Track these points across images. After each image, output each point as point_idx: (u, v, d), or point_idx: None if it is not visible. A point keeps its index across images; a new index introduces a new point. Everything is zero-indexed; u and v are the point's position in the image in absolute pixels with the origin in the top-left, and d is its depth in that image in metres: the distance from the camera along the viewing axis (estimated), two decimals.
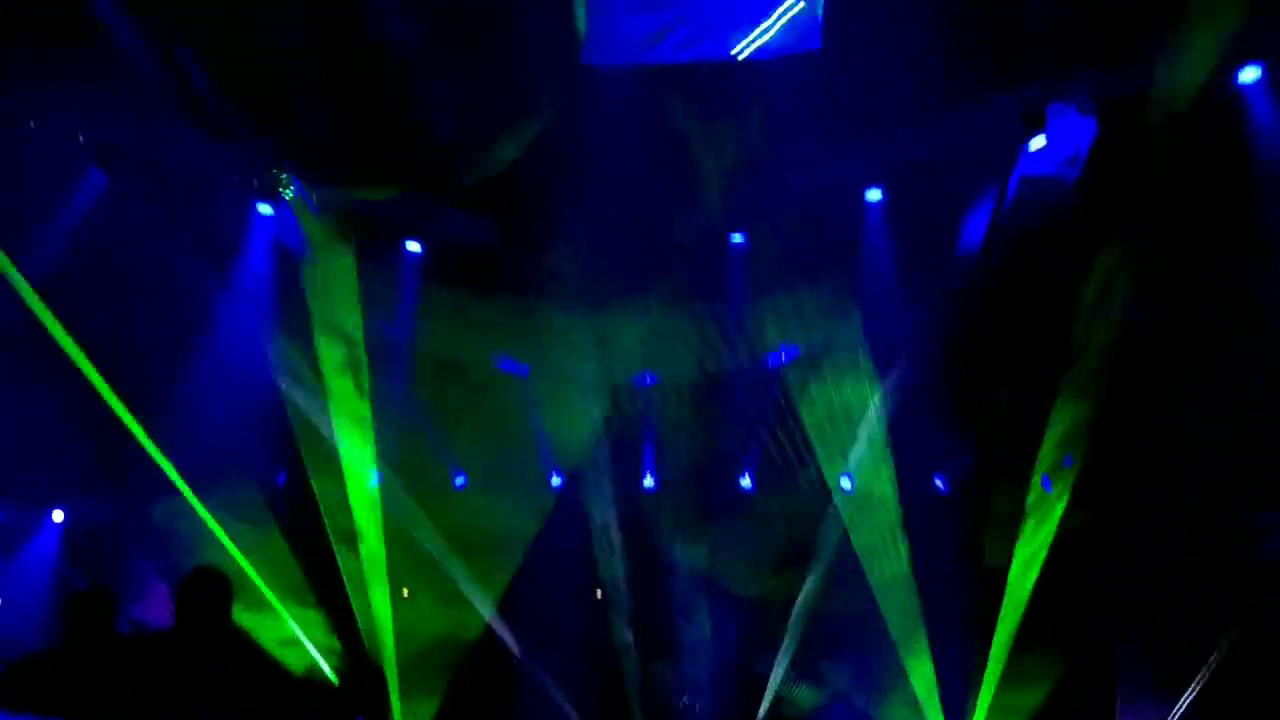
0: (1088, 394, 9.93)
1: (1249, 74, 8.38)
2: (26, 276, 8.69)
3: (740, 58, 9.22)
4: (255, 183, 10.20)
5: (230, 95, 4.47)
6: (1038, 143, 9.24)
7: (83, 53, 8.42)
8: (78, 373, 9.19)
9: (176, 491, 9.91)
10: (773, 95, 9.36)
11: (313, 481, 11.10)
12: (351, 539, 11.13)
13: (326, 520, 11.12)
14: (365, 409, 11.13)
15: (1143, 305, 9.61)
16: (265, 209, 10.41)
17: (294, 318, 10.75)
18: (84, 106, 9.08)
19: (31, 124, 8.81)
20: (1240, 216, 8.77)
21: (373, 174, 4.44)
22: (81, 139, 9.28)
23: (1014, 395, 10.65)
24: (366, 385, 11.10)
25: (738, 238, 11.23)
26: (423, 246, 11.32)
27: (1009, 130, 9.35)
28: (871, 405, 11.26)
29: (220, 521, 10.15)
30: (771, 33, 9.17)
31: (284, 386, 10.81)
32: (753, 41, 9.23)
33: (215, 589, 4.65)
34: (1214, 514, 9.69)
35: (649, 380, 12.28)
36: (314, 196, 10.46)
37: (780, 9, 9.04)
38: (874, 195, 10.50)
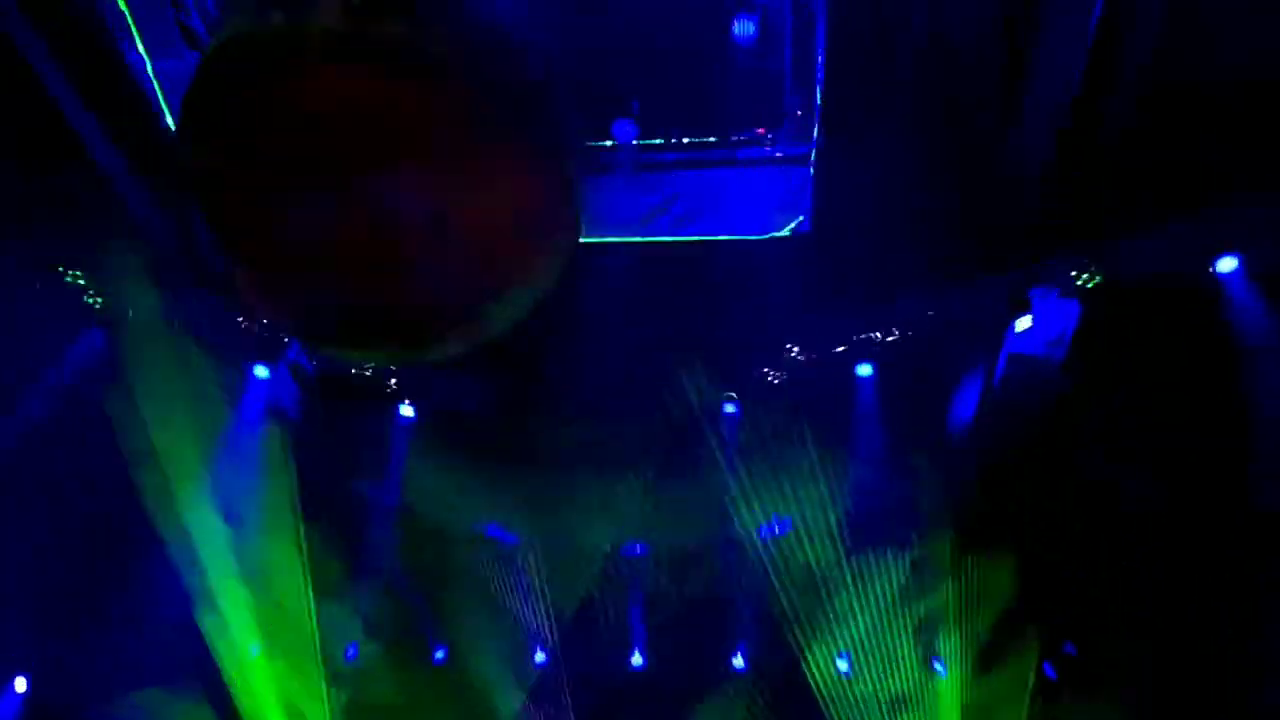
0: (1082, 578, 9.79)
1: (1226, 264, 8.67)
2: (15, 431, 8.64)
3: (733, 235, 9.53)
4: (254, 345, 10.32)
5: (236, 262, 4.58)
6: (1023, 323, 9.45)
7: (93, 213, 8.66)
8: (57, 532, 9.01)
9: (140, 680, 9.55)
10: (764, 270, 9.62)
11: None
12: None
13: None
14: (346, 575, 10.88)
15: (1132, 484, 9.60)
16: (261, 371, 10.47)
17: (280, 477, 10.62)
18: (91, 266, 9.24)
19: (38, 285, 8.94)
20: (1225, 400, 8.89)
21: (370, 341, 4.49)
22: (85, 299, 9.41)
23: (1010, 574, 10.48)
24: (349, 549, 10.88)
25: (730, 408, 11.28)
26: (416, 410, 11.34)
27: (995, 310, 9.57)
28: (865, 580, 11.05)
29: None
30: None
31: (263, 551, 10.58)
32: (744, 220, 9.56)
33: None
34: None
35: (638, 551, 12.07)
36: (311, 361, 10.60)
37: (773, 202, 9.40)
38: (864, 370, 10.63)
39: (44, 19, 7.64)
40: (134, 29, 8.12)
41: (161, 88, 8.29)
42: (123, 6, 7.99)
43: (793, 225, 9.50)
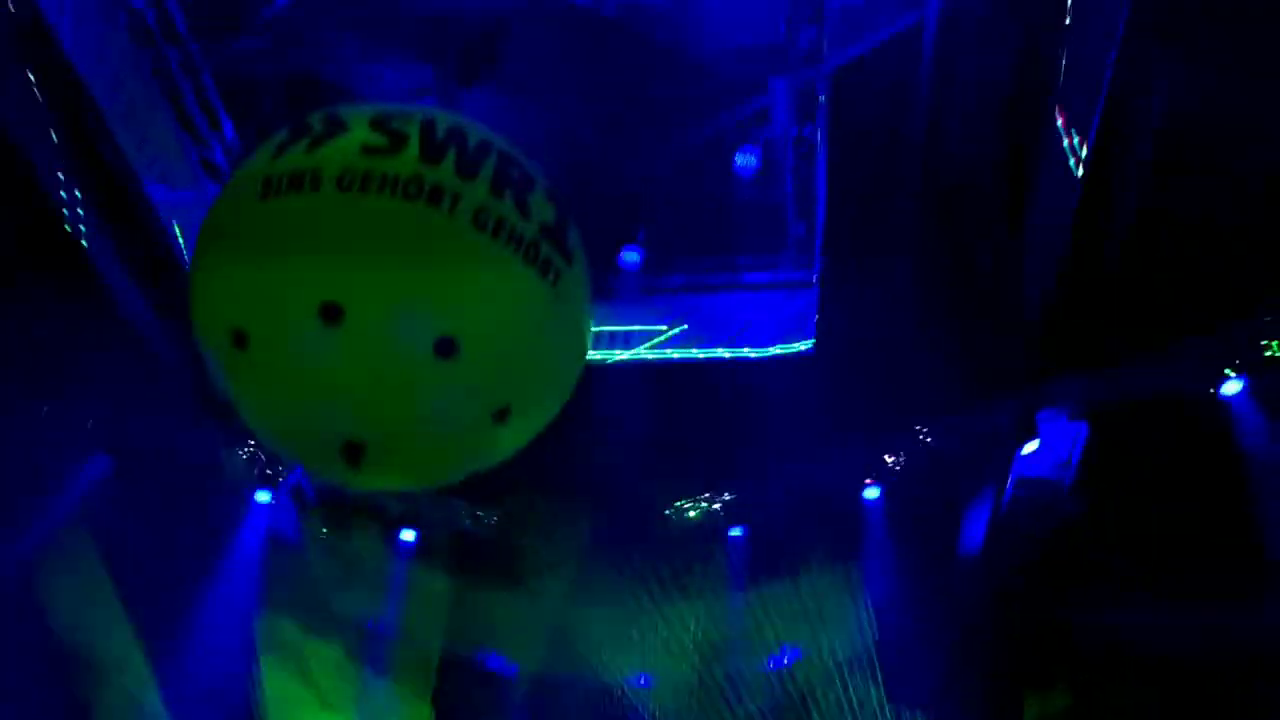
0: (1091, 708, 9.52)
1: (1231, 386, 8.70)
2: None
3: (740, 357, 9.60)
4: (256, 471, 10.29)
5: None
6: (1031, 446, 9.41)
7: (103, 339, 8.74)
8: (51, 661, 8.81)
9: None
10: (769, 392, 9.64)
11: None
12: None
13: None
14: (349, 703, 10.58)
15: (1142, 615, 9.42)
16: (263, 496, 10.41)
17: (282, 605, 10.44)
18: (99, 392, 9.27)
19: (45, 408, 8.95)
20: (1234, 521, 8.80)
21: (375, 469, 4.47)
22: (91, 424, 9.42)
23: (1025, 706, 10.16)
24: (351, 676, 10.60)
25: (737, 532, 11.14)
26: (417, 534, 11.21)
27: (1003, 433, 9.55)
28: (875, 707, 10.71)
29: None
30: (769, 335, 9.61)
31: (265, 678, 10.32)
32: (750, 343, 9.64)
33: None
34: None
35: (644, 682, 11.71)
36: (312, 486, 10.53)
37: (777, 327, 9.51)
38: (872, 493, 10.54)
39: (63, 148, 7.89)
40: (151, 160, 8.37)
41: (176, 219, 8.50)
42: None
43: (799, 348, 9.57)
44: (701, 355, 9.64)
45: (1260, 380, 8.66)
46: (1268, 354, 8.48)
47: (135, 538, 9.25)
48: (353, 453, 4.43)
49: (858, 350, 9.29)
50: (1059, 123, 7.71)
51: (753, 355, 9.65)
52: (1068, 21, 7.21)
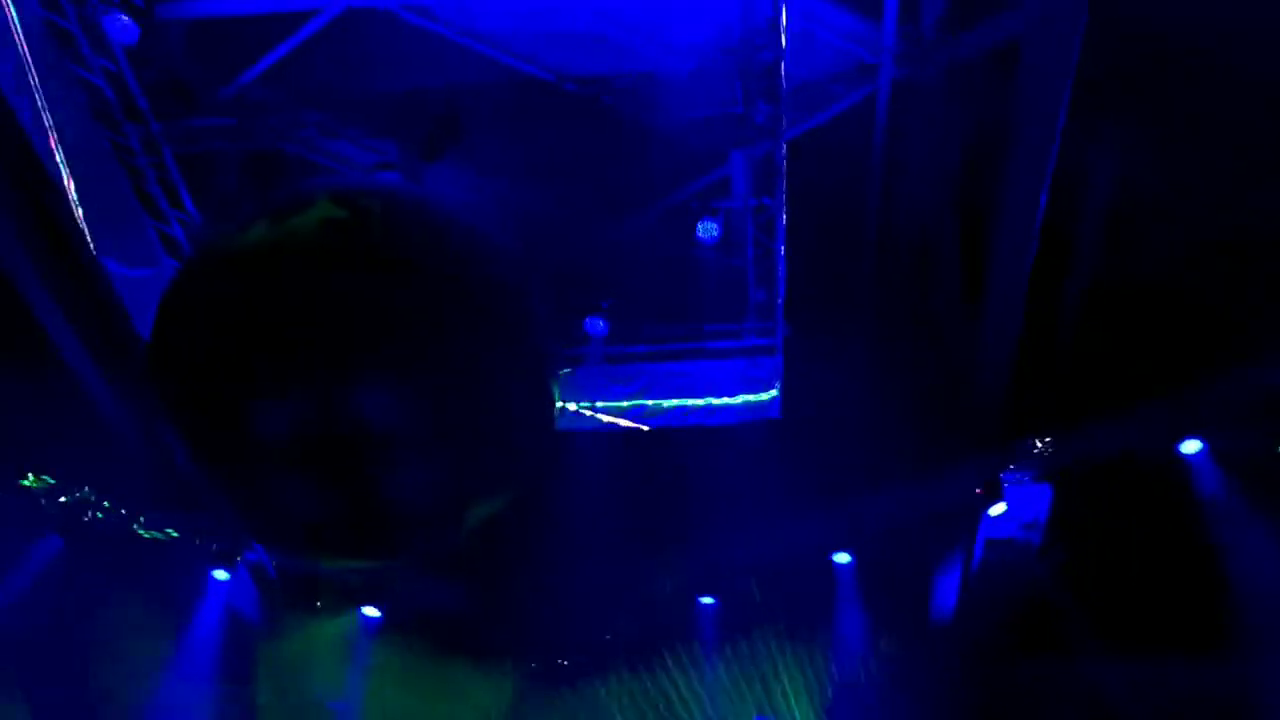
0: None
1: (1190, 446, 8.82)
2: None
3: (705, 425, 9.59)
4: (214, 548, 10.06)
5: (202, 469, 4.53)
6: (998, 508, 9.45)
7: (59, 417, 8.57)
8: None
9: None
10: (736, 458, 9.64)
11: None
12: None
13: None
14: None
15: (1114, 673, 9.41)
16: (221, 575, 10.16)
17: (240, 685, 10.15)
18: (54, 471, 9.08)
19: None
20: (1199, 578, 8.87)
21: (338, 546, 4.38)
22: (44, 503, 9.20)
23: None
24: None
25: (708, 600, 11.03)
26: (381, 611, 10.97)
27: (969, 494, 9.59)
28: None
29: None
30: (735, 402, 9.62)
31: None
32: (716, 411, 9.65)
33: None
34: None
35: None
36: (273, 563, 10.31)
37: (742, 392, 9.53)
38: (842, 558, 10.51)
39: (22, 225, 7.81)
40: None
41: (133, 295, 8.40)
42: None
43: (764, 410, 9.59)
44: (666, 422, 9.63)
45: (1218, 439, 8.81)
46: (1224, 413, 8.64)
47: (88, 617, 9.00)
48: (316, 527, 4.35)
49: (823, 415, 9.33)
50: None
51: (718, 421, 9.65)
52: (1017, 93, 7.42)
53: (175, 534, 9.55)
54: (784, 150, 8.09)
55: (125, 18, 7.14)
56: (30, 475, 9.17)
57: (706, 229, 8.59)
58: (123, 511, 9.33)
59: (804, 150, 8.33)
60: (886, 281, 9.16)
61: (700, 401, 9.63)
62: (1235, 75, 6.77)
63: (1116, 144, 7.51)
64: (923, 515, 9.69)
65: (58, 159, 7.70)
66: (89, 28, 7.22)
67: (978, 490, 9.30)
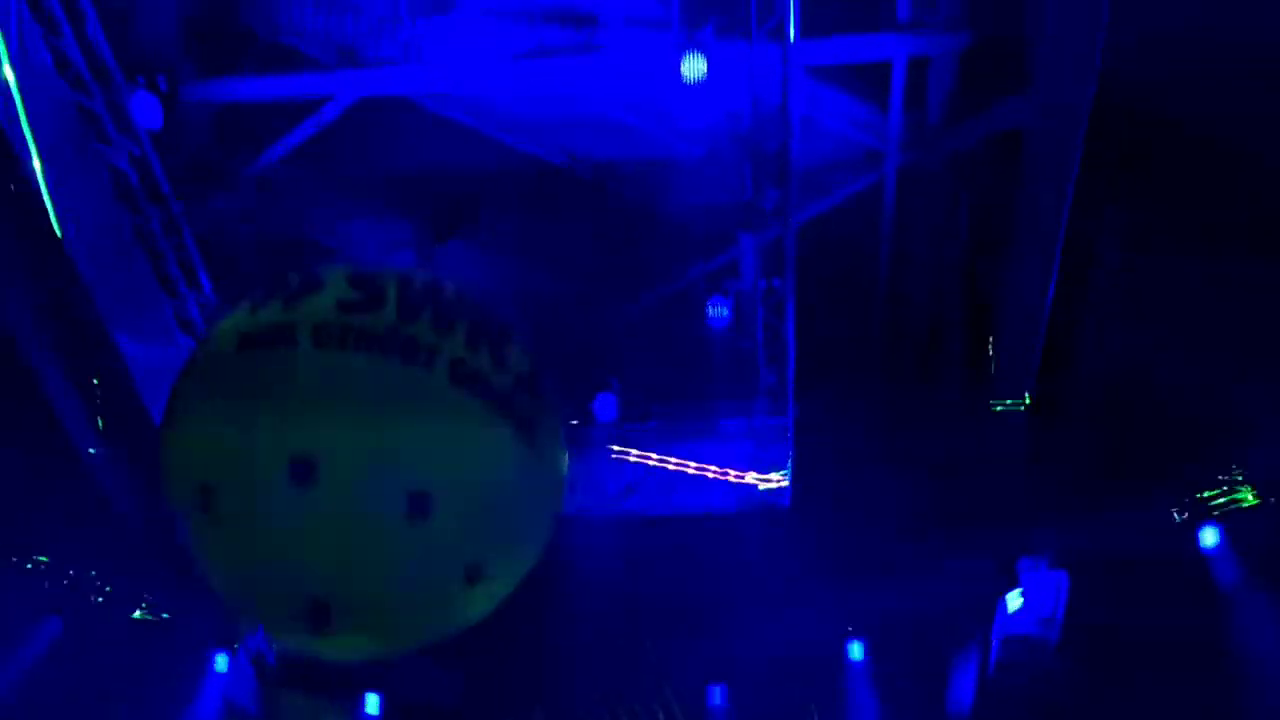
0: None
1: (1208, 536, 8.68)
2: None
3: (715, 510, 9.48)
4: (214, 633, 9.90)
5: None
6: (1015, 602, 9.27)
7: (64, 496, 8.52)
8: None
9: None
10: (747, 545, 9.50)
11: None
12: None
13: None
14: None
15: None
16: (220, 662, 9.97)
17: None
18: (57, 551, 9.00)
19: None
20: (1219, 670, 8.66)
21: (339, 633, 4.31)
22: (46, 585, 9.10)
23: None
24: None
25: (717, 695, 10.75)
26: (382, 702, 10.72)
27: (985, 582, 9.43)
28: None
29: None
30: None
31: None
32: (725, 493, 9.55)
33: None
34: None
35: None
36: (273, 649, 10.10)
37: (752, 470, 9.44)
38: (856, 651, 10.29)
39: (37, 299, 7.86)
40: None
41: (147, 375, 8.41)
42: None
43: (773, 498, 9.48)
44: (675, 508, 9.51)
45: (1234, 528, 8.68)
46: (1239, 502, 8.54)
47: (86, 703, 8.82)
48: (319, 615, 4.27)
49: (834, 499, 9.24)
50: None
51: (728, 506, 9.54)
52: (1023, 178, 7.51)
53: (168, 616, 9.40)
54: (792, 233, 8.15)
55: (151, 97, 7.29)
56: (31, 556, 9.08)
57: (717, 311, 8.61)
58: (122, 593, 9.20)
59: (812, 233, 8.40)
60: (896, 363, 9.16)
61: (708, 485, 9.53)
62: (1247, 160, 6.85)
63: (1124, 228, 7.56)
64: (939, 603, 9.51)
65: (76, 237, 7.80)
66: (114, 110, 7.36)
67: (994, 575, 9.15)
